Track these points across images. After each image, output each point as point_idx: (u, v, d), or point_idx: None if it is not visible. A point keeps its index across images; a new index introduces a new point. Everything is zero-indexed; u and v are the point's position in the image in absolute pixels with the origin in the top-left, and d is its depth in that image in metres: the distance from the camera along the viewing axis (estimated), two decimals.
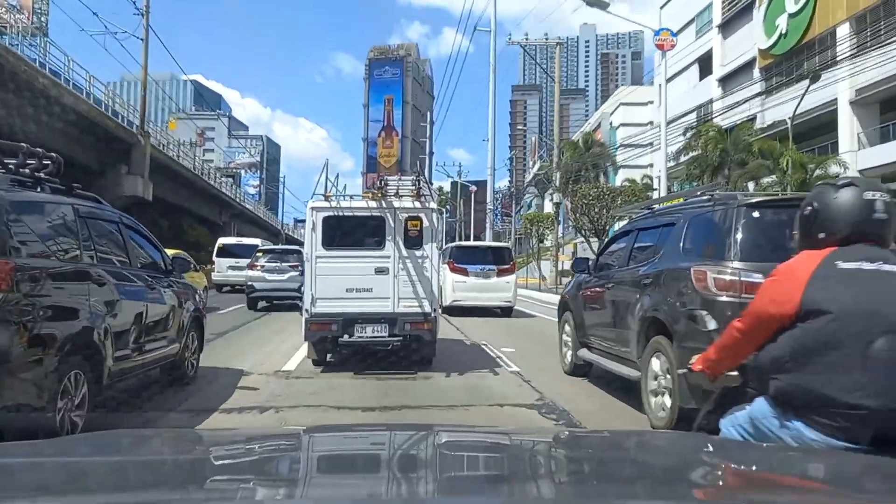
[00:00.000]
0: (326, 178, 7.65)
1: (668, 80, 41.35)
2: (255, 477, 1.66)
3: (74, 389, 4.54)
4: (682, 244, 5.17)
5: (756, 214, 4.66)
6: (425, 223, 7.53)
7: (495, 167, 48.19)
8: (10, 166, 4.91)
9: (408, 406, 5.97)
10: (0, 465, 1.64)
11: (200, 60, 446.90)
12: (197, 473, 1.69)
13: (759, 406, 2.11)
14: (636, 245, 6.16)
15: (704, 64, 37.48)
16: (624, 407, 5.86)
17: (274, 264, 16.90)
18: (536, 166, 79.50)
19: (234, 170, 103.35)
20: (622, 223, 12.67)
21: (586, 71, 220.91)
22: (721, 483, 1.64)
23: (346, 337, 7.35)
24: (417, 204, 7.55)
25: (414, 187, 7.59)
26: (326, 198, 7.54)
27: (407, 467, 1.77)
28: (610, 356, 6.23)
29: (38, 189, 5.00)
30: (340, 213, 7.57)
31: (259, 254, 17.97)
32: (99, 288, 5.13)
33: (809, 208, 2.16)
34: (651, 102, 44.66)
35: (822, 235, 2.10)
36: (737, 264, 4.47)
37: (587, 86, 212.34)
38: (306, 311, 7.38)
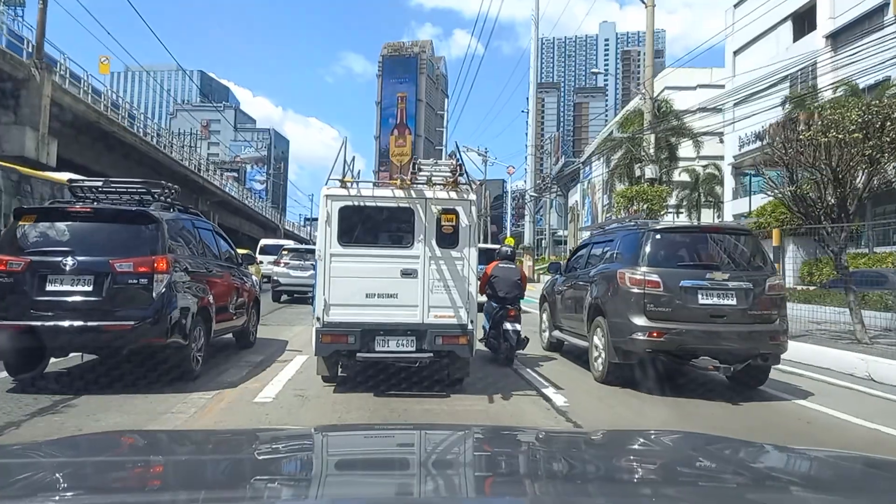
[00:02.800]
0: (345, 159, 6.86)
1: (741, 50, 33.48)
2: (276, 477, 1.73)
3: (198, 339, 7.24)
4: (615, 254, 7.77)
5: (658, 236, 7.25)
6: (462, 218, 6.70)
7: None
8: (155, 194, 7.62)
9: None
10: (1, 465, 1.71)
11: (212, 59, 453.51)
12: (206, 474, 1.76)
13: (487, 303, 8.87)
14: (591, 254, 8.79)
15: (802, 19, 30.64)
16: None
17: (297, 262, 19.57)
18: (562, 162, 78.95)
19: (240, 164, 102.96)
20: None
21: (605, 69, 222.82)
22: (720, 482, 1.76)
23: (364, 352, 6.52)
24: (454, 195, 6.71)
25: (451, 175, 6.75)
26: (344, 184, 6.69)
27: (431, 466, 1.88)
28: (572, 334, 8.84)
29: (172, 210, 7.69)
30: (361, 203, 6.71)
31: (284, 252, 20.73)
32: (208, 274, 7.84)
33: (497, 252, 9.71)
34: (700, 87, 37.59)
35: (497, 256, 9.20)
36: (643, 268, 7.02)
37: (606, 84, 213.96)
38: (317, 319, 6.56)
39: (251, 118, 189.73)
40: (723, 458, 2.05)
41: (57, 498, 1.47)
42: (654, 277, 6.91)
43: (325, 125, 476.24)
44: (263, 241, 31.59)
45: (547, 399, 6.70)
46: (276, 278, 19.61)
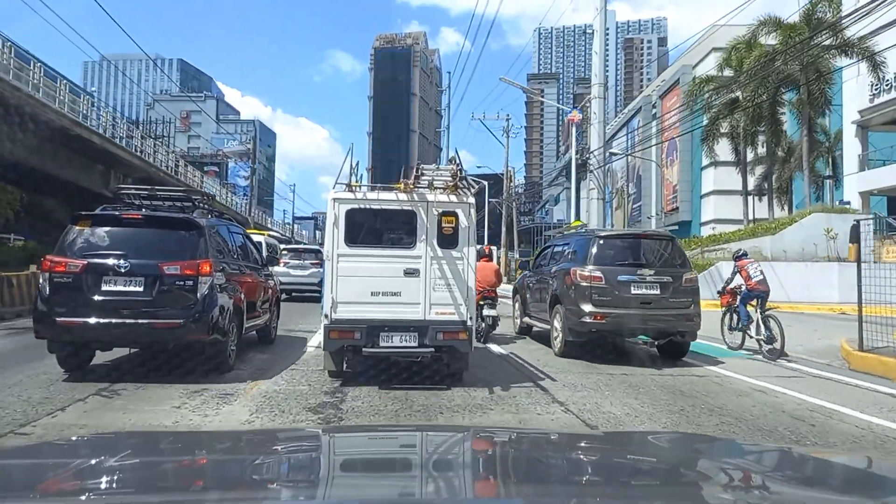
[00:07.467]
0: (351, 164, 7.48)
1: None
2: (280, 478, 1.87)
3: (233, 333, 8.74)
4: (570, 254, 10.08)
5: (602, 241, 9.56)
6: (462, 220, 7.36)
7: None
8: (196, 201, 9.53)
9: None
10: (2, 466, 1.85)
11: (200, 58, 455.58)
12: (211, 474, 1.89)
13: None
14: (552, 253, 11.12)
15: None
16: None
17: (297, 261, 21.39)
18: (572, 150, 78.59)
19: (223, 158, 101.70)
20: None
21: (606, 59, 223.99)
22: (721, 483, 1.87)
23: (370, 347, 7.18)
24: (454, 198, 7.37)
25: (452, 179, 7.39)
26: (350, 188, 7.36)
27: (432, 468, 2.02)
28: (538, 319, 11.16)
29: (210, 216, 9.72)
30: (366, 206, 7.39)
31: (284, 251, 22.53)
32: (240, 275, 9.76)
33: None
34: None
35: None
36: (590, 266, 9.28)
37: (608, 75, 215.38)
38: (325, 316, 7.22)
39: (235, 109, 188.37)
40: (723, 458, 2.19)
41: (61, 499, 1.55)
42: (598, 273, 9.22)
43: (315, 125, 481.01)
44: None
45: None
46: (277, 277, 21.74)
